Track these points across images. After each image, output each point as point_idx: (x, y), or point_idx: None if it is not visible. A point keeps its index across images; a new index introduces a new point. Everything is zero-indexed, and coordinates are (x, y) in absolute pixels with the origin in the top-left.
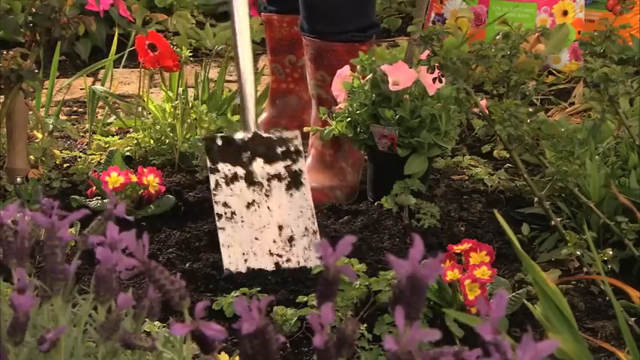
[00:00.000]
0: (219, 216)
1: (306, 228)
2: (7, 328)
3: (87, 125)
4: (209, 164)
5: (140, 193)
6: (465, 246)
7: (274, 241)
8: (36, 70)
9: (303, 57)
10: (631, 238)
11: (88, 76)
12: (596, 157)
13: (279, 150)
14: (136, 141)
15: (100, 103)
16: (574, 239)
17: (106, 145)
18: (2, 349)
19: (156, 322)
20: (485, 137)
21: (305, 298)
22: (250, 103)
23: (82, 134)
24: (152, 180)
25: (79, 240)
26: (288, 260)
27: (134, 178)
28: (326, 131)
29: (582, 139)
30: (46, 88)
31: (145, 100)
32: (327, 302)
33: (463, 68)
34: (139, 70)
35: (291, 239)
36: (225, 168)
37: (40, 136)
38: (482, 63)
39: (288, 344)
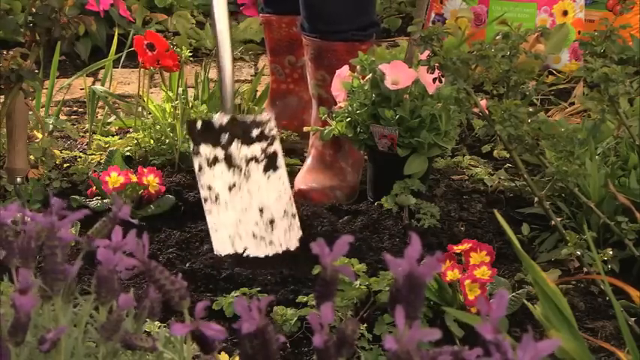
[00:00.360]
0: (205, 199)
1: (284, 211)
2: (8, 328)
3: (87, 125)
4: (192, 147)
5: (140, 193)
6: (465, 246)
7: (256, 224)
8: (36, 70)
9: (303, 57)
10: (631, 238)
11: (88, 76)
12: (596, 157)
13: (254, 133)
14: (136, 141)
15: (100, 103)
16: (574, 239)
17: (106, 145)
18: (3, 349)
19: (156, 323)
20: (485, 137)
21: (305, 298)
22: (229, 85)
23: (82, 134)
24: (152, 180)
25: (82, 241)
26: (270, 243)
27: (134, 178)
28: (326, 131)
29: (582, 139)
30: (46, 88)
31: (145, 100)
32: (326, 302)
33: (463, 68)
34: (138, 70)
35: (271, 222)
36: (206, 150)
37: (40, 136)
38: (482, 63)
39: (288, 344)
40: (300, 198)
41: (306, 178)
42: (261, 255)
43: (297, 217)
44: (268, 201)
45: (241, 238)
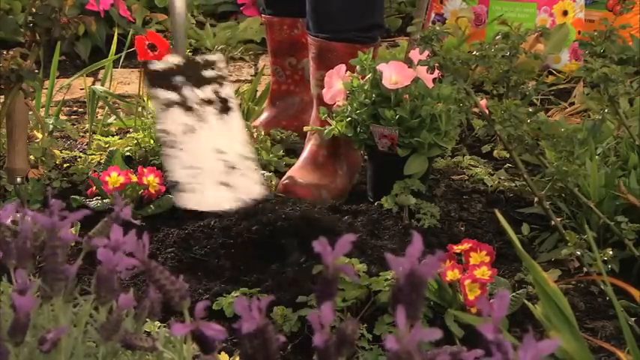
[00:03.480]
0: (163, 143)
1: (241, 155)
2: (7, 328)
3: (87, 125)
4: (148, 90)
5: (140, 193)
6: (465, 246)
7: (214, 169)
8: (36, 70)
9: (304, 59)
10: (631, 238)
11: (87, 76)
12: (596, 157)
13: (206, 74)
14: (136, 141)
15: (100, 103)
16: (574, 239)
17: (106, 145)
18: (3, 350)
19: (156, 323)
20: (485, 137)
21: (305, 298)
22: (180, 25)
23: (82, 134)
24: (152, 180)
25: (83, 242)
26: (231, 187)
27: (134, 178)
28: (326, 131)
29: (582, 139)
30: (46, 88)
31: (145, 100)
32: (326, 301)
33: (463, 68)
34: (138, 70)
35: (230, 166)
36: (161, 94)
37: (40, 136)
38: (482, 63)
39: (288, 344)
40: (284, 191)
41: (294, 173)
42: (225, 208)
43: (254, 161)
44: (225, 144)
45: (203, 188)
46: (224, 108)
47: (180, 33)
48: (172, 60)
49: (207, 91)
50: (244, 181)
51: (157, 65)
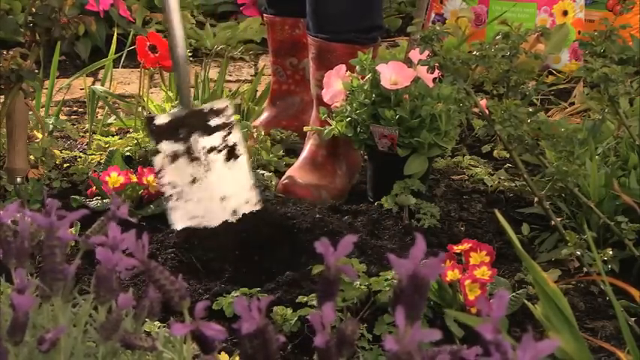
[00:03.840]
0: (169, 197)
1: (247, 200)
2: (7, 327)
3: (87, 125)
4: (151, 146)
5: (140, 193)
6: (465, 246)
7: (219, 212)
8: (36, 70)
9: (305, 59)
10: (631, 238)
11: (87, 76)
12: (596, 157)
13: (212, 122)
14: (136, 141)
15: (100, 103)
16: (574, 239)
17: (106, 145)
18: (2, 349)
19: (156, 322)
20: (485, 137)
21: (305, 298)
22: (185, 78)
23: (82, 134)
24: (152, 180)
25: (80, 240)
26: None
27: (134, 178)
28: (326, 131)
29: (582, 139)
30: (46, 88)
31: (145, 100)
32: (328, 302)
33: (463, 68)
34: (139, 70)
35: (234, 212)
36: (167, 147)
37: (40, 136)
38: (482, 63)
39: (288, 344)
40: (284, 191)
41: (293, 173)
42: (218, 222)
43: (258, 204)
44: (230, 190)
45: (207, 221)
46: (231, 154)
47: (185, 84)
48: (176, 112)
49: (214, 139)
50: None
51: (161, 120)
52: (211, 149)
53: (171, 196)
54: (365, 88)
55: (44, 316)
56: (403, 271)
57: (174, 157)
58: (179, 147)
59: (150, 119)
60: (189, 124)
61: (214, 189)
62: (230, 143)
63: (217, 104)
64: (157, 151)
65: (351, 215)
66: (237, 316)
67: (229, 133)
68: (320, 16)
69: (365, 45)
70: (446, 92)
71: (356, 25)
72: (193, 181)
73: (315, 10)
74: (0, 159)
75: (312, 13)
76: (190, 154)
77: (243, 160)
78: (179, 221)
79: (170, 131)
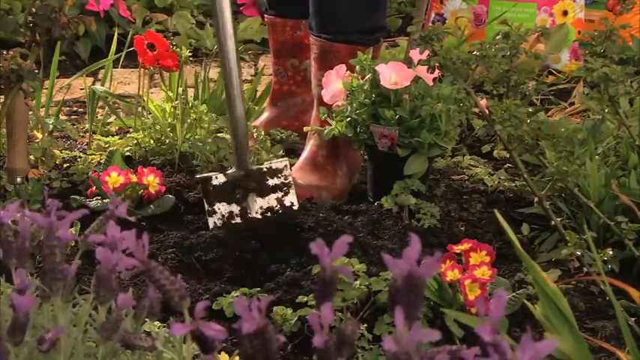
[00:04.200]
0: None
1: None
2: (7, 328)
3: (87, 125)
4: (206, 206)
5: (140, 193)
6: (465, 246)
7: None
8: (36, 70)
9: (306, 60)
10: (631, 238)
11: (87, 76)
12: (596, 157)
13: (270, 182)
14: (136, 141)
15: (100, 103)
16: (574, 239)
17: (106, 145)
18: (2, 349)
19: (156, 322)
20: (485, 137)
21: (305, 298)
22: (242, 137)
23: (82, 134)
24: (152, 180)
25: (79, 240)
26: None
27: (134, 178)
28: (326, 131)
29: (582, 139)
30: (46, 88)
31: (145, 100)
32: (326, 302)
33: (463, 68)
34: (138, 70)
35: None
36: (221, 208)
37: (40, 136)
38: (482, 63)
39: (288, 344)
40: None
41: (294, 173)
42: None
43: None
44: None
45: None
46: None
47: (242, 145)
48: (233, 173)
49: (270, 200)
50: None
51: (217, 180)
52: (268, 209)
53: None
54: (365, 88)
55: (44, 316)
56: (398, 272)
57: (230, 218)
58: (234, 208)
59: (206, 179)
60: (245, 185)
61: None
62: (287, 204)
63: (276, 164)
64: (213, 212)
65: (351, 215)
66: (237, 316)
67: (286, 194)
68: (323, 16)
69: (367, 46)
70: (446, 92)
71: (359, 25)
72: None
73: (319, 10)
74: (0, 159)
75: (315, 13)
76: (245, 215)
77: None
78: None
79: (226, 192)
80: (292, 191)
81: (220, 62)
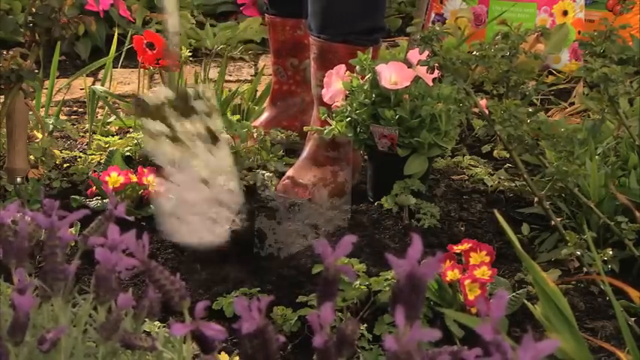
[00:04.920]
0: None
1: (226, 187)
2: (7, 328)
3: (87, 125)
4: (139, 123)
5: (140, 193)
6: (465, 246)
7: (200, 202)
8: (36, 70)
9: (306, 60)
10: (631, 238)
11: (87, 76)
12: (596, 157)
13: (197, 107)
14: (136, 141)
15: (100, 103)
16: (574, 239)
17: (106, 145)
18: (2, 349)
19: (156, 322)
20: (485, 137)
21: (305, 298)
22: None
23: (82, 134)
24: (152, 180)
25: (79, 240)
26: (215, 222)
27: (134, 178)
28: (326, 131)
29: (582, 139)
30: (46, 88)
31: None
32: (327, 302)
33: (463, 68)
34: (138, 70)
35: (215, 199)
36: (152, 126)
37: (40, 136)
38: (482, 63)
39: (288, 344)
40: (284, 191)
41: (293, 173)
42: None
43: (237, 193)
44: (210, 175)
45: (188, 225)
46: (212, 139)
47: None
48: (164, 93)
49: (196, 123)
50: (226, 214)
51: (148, 99)
52: (195, 134)
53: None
54: (365, 88)
55: (44, 316)
56: (401, 271)
57: (158, 136)
58: (163, 128)
59: (137, 99)
60: (175, 107)
61: (195, 172)
62: (211, 129)
63: (200, 88)
64: (143, 128)
65: (350, 215)
66: (237, 316)
67: (210, 117)
68: (322, 16)
69: (366, 46)
70: (446, 92)
71: (359, 25)
72: (175, 162)
73: (318, 10)
74: (0, 159)
75: (314, 13)
76: (173, 136)
77: (224, 145)
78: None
79: (155, 112)
80: (216, 115)
81: None
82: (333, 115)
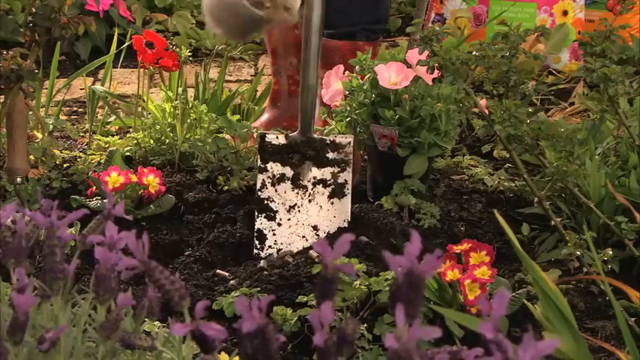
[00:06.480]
0: (260, 214)
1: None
2: (6, 327)
3: (87, 125)
4: (259, 163)
5: (140, 193)
6: (465, 246)
7: (305, 237)
8: (36, 70)
9: None
10: (631, 238)
11: (87, 76)
12: (596, 157)
13: (329, 155)
14: (136, 141)
15: (100, 103)
16: (574, 239)
17: (106, 145)
18: (2, 349)
19: (156, 322)
20: (485, 137)
21: (305, 298)
22: (310, 108)
23: (82, 134)
24: (152, 180)
25: (78, 240)
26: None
27: (134, 178)
28: (326, 131)
29: (582, 139)
30: (46, 88)
31: (145, 100)
32: (326, 301)
33: (463, 68)
34: (138, 70)
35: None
36: (274, 168)
37: (40, 136)
38: (482, 63)
39: (288, 344)
40: None
41: None
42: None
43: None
44: (324, 223)
45: (290, 245)
46: (338, 192)
47: (308, 111)
48: (295, 136)
49: (325, 172)
50: None
51: (277, 140)
52: (320, 182)
53: (260, 214)
54: (364, 88)
55: (44, 316)
56: (398, 269)
57: (280, 180)
58: (287, 171)
59: (264, 136)
60: (304, 151)
61: (310, 219)
62: (340, 181)
63: (340, 139)
64: (265, 169)
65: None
66: (237, 316)
67: (342, 171)
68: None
69: (367, 42)
70: (446, 92)
71: (360, 24)
72: (292, 207)
73: None
74: (0, 159)
75: None
76: (297, 181)
77: (347, 201)
78: (267, 242)
79: (281, 153)
80: (349, 169)
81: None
82: (333, 115)
